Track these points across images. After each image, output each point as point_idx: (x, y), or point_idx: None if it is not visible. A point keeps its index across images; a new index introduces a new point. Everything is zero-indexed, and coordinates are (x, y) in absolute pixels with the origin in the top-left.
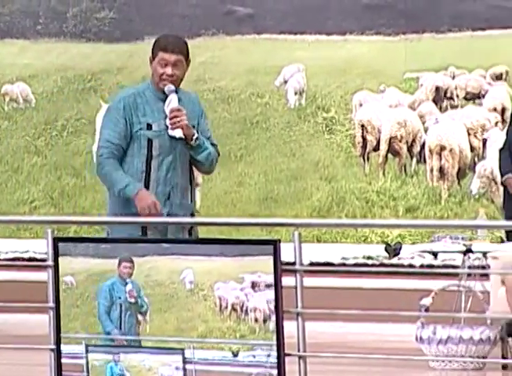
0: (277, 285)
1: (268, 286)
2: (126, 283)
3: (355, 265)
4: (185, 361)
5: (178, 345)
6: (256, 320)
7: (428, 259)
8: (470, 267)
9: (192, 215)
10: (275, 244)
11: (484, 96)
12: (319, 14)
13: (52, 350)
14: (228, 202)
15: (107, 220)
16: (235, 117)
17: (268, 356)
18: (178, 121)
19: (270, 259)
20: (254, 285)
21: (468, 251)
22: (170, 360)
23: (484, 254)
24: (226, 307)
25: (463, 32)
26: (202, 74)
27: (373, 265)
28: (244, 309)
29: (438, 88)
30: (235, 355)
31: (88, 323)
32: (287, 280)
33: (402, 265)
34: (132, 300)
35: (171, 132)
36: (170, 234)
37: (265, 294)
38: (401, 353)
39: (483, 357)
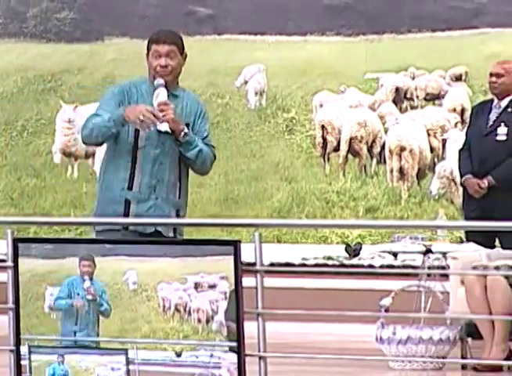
0: (237, 286)
1: (210, 286)
2: (84, 281)
3: (316, 265)
4: (128, 362)
5: (122, 345)
6: (199, 321)
7: (388, 260)
8: (429, 267)
9: (178, 212)
10: (235, 245)
11: (443, 97)
12: (280, 15)
13: (11, 351)
14: (188, 202)
15: (67, 221)
16: None
17: (211, 356)
18: (164, 115)
19: (230, 259)
20: (196, 286)
21: (428, 251)
22: (107, 361)
23: (444, 254)
24: (169, 308)
25: (422, 33)
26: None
27: (333, 266)
28: (187, 309)
29: (398, 89)
30: (178, 355)
31: (32, 325)
32: (247, 281)
33: (362, 266)
34: (90, 297)
35: (158, 126)
36: (157, 228)
37: (208, 295)
38: (361, 353)
39: (443, 357)
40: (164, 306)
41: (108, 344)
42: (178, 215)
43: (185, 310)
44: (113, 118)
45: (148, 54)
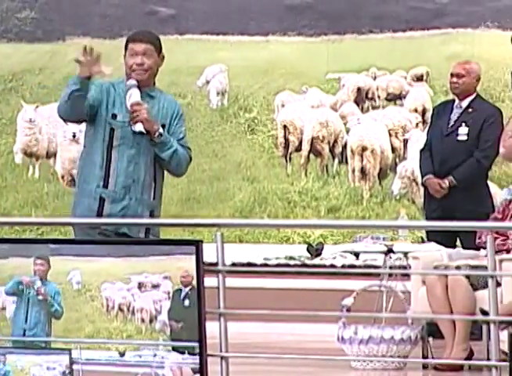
0: (199, 286)
1: (154, 286)
2: (35, 281)
3: (277, 265)
4: (71, 361)
5: (65, 345)
6: (142, 320)
7: (350, 259)
8: (391, 267)
9: (152, 212)
10: (197, 245)
11: (405, 97)
12: (242, 15)
13: None
14: None
15: (29, 221)
16: None
17: (154, 355)
18: (137, 116)
19: (192, 259)
20: (140, 286)
21: (389, 251)
22: (43, 360)
23: (405, 254)
24: (113, 307)
25: (384, 33)
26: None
27: (295, 266)
28: (131, 309)
29: (359, 89)
30: (121, 355)
31: None
32: (208, 281)
33: (324, 266)
34: (40, 297)
35: (132, 126)
36: (125, 229)
37: (152, 295)
38: (322, 353)
39: (404, 357)
40: (107, 306)
41: (53, 343)
42: (152, 216)
43: (128, 310)
44: (74, 80)
45: (125, 53)
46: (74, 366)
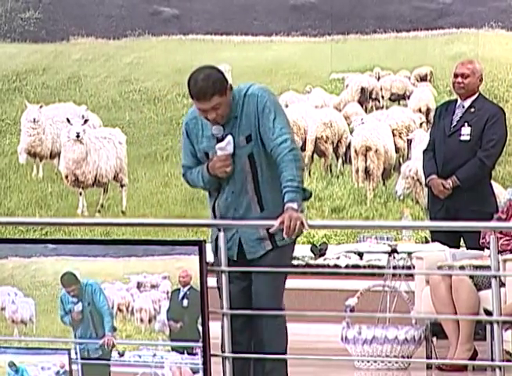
0: (203, 285)
1: (153, 286)
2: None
3: None
4: (70, 361)
5: (65, 345)
6: (141, 320)
7: (354, 259)
8: (395, 267)
9: (267, 230)
10: (200, 245)
11: (409, 97)
12: (246, 15)
13: None
14: (154, 203)
15: (32, 221)
16: (161, 118)
17: (154, 355)
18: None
19: (191, 259)
20: (139, 285)
21: (393, 251)
22: (38, 361)
23: (409, 254)
24: (112, 307)
25: (387, 33)
26: (128, 74)
27: (298, 266)
28: (130, 309)
29: (363, 89)
30: (121, 354)
31: None
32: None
33: (328, 266)
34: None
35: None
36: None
37: (151, 295)
38: (326, 353)
39: (408, 357)
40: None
41: (46, 344)
42: (268, 230)
43: (127, 310)
44: (205, 180)
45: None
46: (73, 366)
